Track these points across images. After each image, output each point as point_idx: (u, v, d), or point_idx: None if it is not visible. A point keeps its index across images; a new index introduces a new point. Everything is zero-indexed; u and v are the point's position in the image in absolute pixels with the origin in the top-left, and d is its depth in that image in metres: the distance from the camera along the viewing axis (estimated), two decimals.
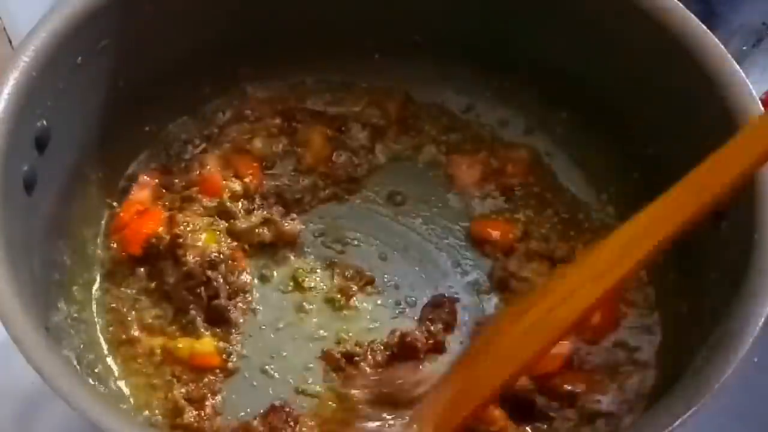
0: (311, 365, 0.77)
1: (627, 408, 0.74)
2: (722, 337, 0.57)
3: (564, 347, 0.76)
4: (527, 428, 0.73)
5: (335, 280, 0.82)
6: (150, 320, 0.78)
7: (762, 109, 0.67)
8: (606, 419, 0.73)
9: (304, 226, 0.85)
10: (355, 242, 0.85)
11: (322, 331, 0.79)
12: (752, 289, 0.59)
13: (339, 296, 0.81)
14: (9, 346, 0.55)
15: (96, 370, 0.74)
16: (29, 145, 0.67)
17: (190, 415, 0.71)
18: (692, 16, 0.72)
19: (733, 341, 0.56)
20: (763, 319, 0.57)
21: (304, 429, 0.71)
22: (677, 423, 0.53)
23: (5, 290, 0.57)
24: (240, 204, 0.84)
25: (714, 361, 0.56)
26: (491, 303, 0.82)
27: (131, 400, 0.74)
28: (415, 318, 0.80)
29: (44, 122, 0.67)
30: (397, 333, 0.76)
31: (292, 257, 0.83)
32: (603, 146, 0.86)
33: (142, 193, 0.84)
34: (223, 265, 0.78)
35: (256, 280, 0.82)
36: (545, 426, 0.73)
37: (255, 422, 0.70)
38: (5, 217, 0.61)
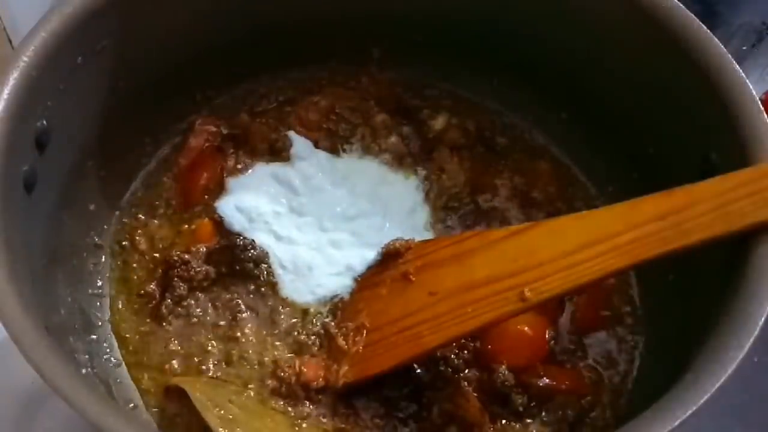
0: None
1: (611, 410, 0.75)
2: (722, 337, 0.57)
3: (541, 334, 0.77)
4: (502, 422, 0.73)
5: None
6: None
7: (762, 108, 0.67)
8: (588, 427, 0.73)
9: None
10: None
11: None
12: (752, 289, 0.59)
13: None
14: (9, 346, 0.55)
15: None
16: (29, 145, 0.66)
17: None
18: (692, 16, 0.72)
19: (733, 341, 0.56)
20: (763, 319, 0.57)
21: None
22: (677, 423, 0.53)
23: (5, 290, 0.57)
24: None
25: (713, 362, 0.56)
26: None
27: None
28: None
29: (44, 122, 0.67)
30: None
31: None
32: (603, 146, 0.86)
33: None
34: None
35: None
36: (519, 426, 0.74)
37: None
38: (5, 217, 0.61)
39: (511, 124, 0.92)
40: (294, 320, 0.79)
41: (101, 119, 0.78)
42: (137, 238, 0.84)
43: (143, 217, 0.85)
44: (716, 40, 0.71)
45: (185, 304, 0.79)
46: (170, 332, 0.78)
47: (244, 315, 0.79)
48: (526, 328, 0.75)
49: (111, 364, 0.77)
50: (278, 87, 0.93)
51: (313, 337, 0.78)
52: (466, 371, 0.75)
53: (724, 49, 0.70)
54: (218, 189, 0.86)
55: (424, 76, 0.93)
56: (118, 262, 0.83)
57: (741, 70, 0.69)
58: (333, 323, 0.77)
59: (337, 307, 0.79)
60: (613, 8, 0.76)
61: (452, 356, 0.75)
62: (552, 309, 0.78)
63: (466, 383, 0.74)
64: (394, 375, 0.73)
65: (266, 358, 0.77)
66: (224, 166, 0.87)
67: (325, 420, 0.73)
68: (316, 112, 0.91)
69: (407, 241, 0.78)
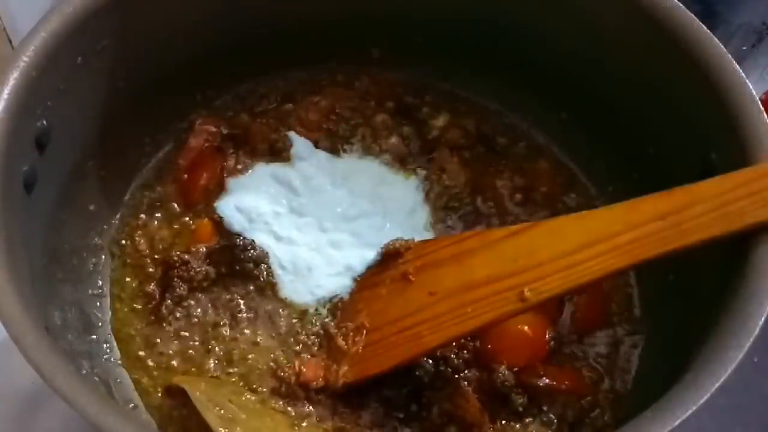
0: None
1: (611, 411, 0.75)
2: (722, 337, 0.57)
3: (541, 334, 0.77)
4: (502, 422, 0.73)
5: None
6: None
7: (762, 108, 0.67)
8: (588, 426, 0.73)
9: None
10: None
11: None
12: (752, 289, 0.59)
13: None
14: (9, 346, 0.55)
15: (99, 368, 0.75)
16: (29, 145, 0.66)
17: None
18: (692, 16, 0.72)
19: (733, 341, 0.56)
20: (762, 319, 0.57)
21: None
22: (677, 423, 0.53)
23: (5, 290, 0.57)
24: None
25: (713, 362, 0.56)
26: None
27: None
28: None
29: (44, 122, 0.67)
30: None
31: None
32: (603, 146, 0.86)
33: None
34: None
35: None
36: (519, 426, 0.74)
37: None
38: (5, 217, 0.61)
39: (511, 124, 0.92)
40: (294, 320, 0.79)
41: (101, 119, 0.78)
42: (137, 238, 0.84)
43: (143, 217, 0.85)
44: (716, 40, 0.71)
45: (185, 304, 0.79)
46: (170, 332, 0.78)
47: (244, 315, 0.79)
48: (526, 328, 0.75)
49: (111, 364, 0.77)
50: (278, 87, 0.93)
51: (312, 337, 0.78)
52: (466, 371, 0.75)
53: (724, 49, 0.70)
54: (218, 189, 0.86)
55: (424, 76, 0.93)
56: (118, 262, 0.83)
57: (741, 70, 0.69)
58: (333, 323, 0.77)
59: (337, 307, 0.79)
60: (613, 8, 0.76)
61: (452, 356, 0.75)
62: (552, 309, 0.78)
63: (466, 383, 0.74)
64: (394, 375, 0.73)
65: (266, 358, 0.77)
66: (224, 166, 0.87)
67: (325, 420, 0.73)
68: (316, 112, 0.91)
69: (407, 241, 0.78)
